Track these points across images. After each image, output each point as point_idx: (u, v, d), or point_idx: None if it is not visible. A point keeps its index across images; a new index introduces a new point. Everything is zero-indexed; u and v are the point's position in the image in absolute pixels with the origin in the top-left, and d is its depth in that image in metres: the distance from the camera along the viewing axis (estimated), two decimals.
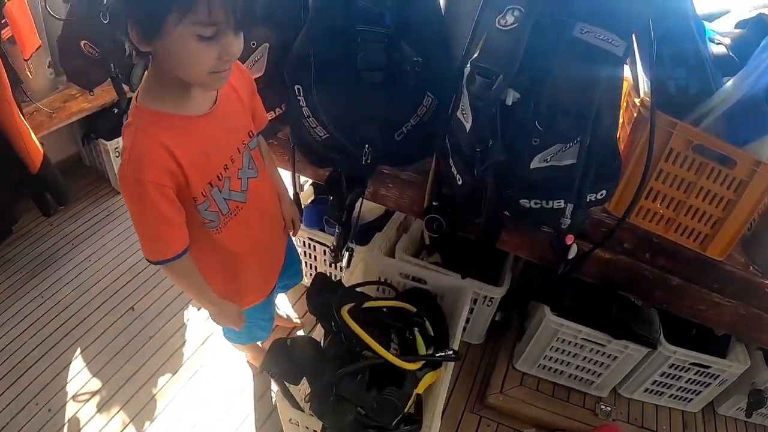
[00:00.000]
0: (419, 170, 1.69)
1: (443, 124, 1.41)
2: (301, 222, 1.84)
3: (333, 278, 1.78)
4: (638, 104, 1.40)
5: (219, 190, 1.22)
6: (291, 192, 1.73)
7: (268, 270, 1.60)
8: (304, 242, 2.29)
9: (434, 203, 1.59)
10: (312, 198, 2.39)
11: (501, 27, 1.13)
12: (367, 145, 1.44)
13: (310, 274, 2.38)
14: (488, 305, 2.15)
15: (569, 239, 1.40)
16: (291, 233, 1.68)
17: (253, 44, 1.49)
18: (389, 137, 1.49)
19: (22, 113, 2.14)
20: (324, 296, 1.60)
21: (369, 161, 1.46)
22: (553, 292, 1.97)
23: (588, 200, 1.30)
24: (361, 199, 1.70)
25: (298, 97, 1.43)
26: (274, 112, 1.63)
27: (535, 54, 1.13)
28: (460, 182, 1.39)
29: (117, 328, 2.38)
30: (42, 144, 2.26)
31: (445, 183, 1.54)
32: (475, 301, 2.11)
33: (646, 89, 1.39)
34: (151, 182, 1.05)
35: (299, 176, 2.11)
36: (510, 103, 1.18)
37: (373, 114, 1.42)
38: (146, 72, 1.08)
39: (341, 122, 1.44)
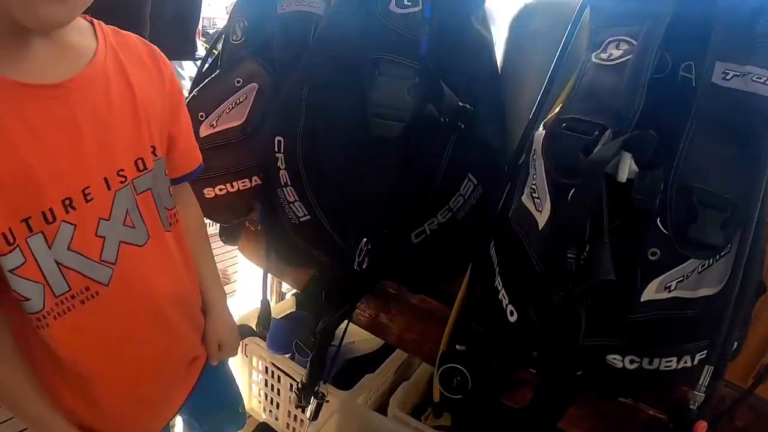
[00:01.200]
0: (440, 294, 1.23)
1: (488, 225, 0.97)
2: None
3: None
4: None
5: (45, 240, 0.72)
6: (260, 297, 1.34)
7: (154, 404, 1.01)
8: (266, 368, 1.75)
9: (458, 346, 1.08)
10: (289, 312, 1.91)
11: (602, 61, 0.80)
12: (365, 240, 0.96)
13: (271, 412, 1.83)
14: None
15: (700, 429, 0.81)
16: (211, 362, 1.11)
17: (238, 81, 1.15)
18: (403, 236, 1.03)
19: None
20: None
21: (365, 266, 0.97)
22: None
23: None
24: (346, 323, 1.17)
25: (277, 154, 1.01)
26: (250, 182, 1.20)
27: (658, 104, 0.73)
28: (513, 318, 0.89)
29: None
30: None
31: (479, 318, 1.06)
32: None
33: None
34: None
35: (278, 281, 1.71)
36: (624, 179, 0.73)
37: (380, 190, 0.95)
38: None
39: (330, 197, 0.99)
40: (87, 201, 0.75)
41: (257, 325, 1.48)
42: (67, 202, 0.73)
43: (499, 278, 0.94)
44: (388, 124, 0.88)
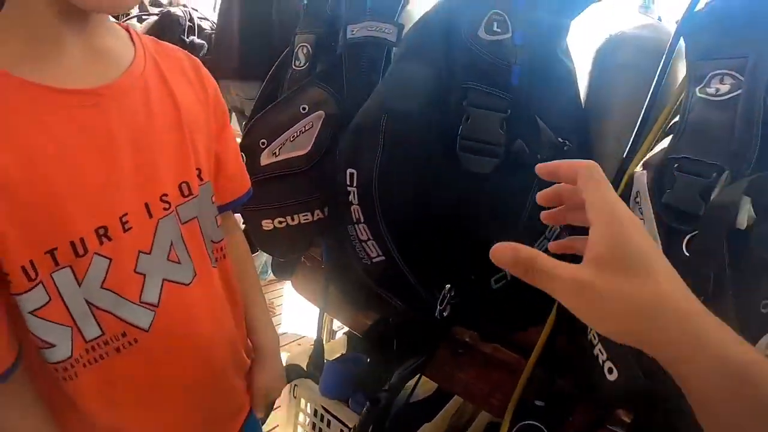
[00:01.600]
0: (514, 343, 1.11)
1: None
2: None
3: None
4: None
5: (75, 276, 0.62)
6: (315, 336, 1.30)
7: None
8: (315, 411, 1.65)
9: (536, 402, 0.99)
10: (342, 353, 1.82)
11: (709, 97, 0.75)
12: (448, 287, 0.87)
13: None
14: None
15: None
16: (257, 414, 0.98)
17: (304, 108, 1.09)
18: (482, 280, 0.94)
19: None
20: None
21: (447, 314, 0.88)
22: None
23: None
24: (418, 377, 1.08)
25: (349, 188, 0.92)
26: (312, 215, 1.13)
27: None
28: (613, 376, 0.79)
29: None
30: None
31: (564, 373, 0.96)
32: None
33: None
34: None
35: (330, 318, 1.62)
36: (744, 225, 0.67)
37: (467, 231, 0.86)
38: None
39: (410, 237, 0.90)
40: (125, 230, 0.65)
41: (308, 365, 1.40)
42: (101, 232, 0.63)
43: (594, 332, 0.85)
44: (480, 160, 0.79)
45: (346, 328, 1.82)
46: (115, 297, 0.65)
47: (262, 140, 1.08)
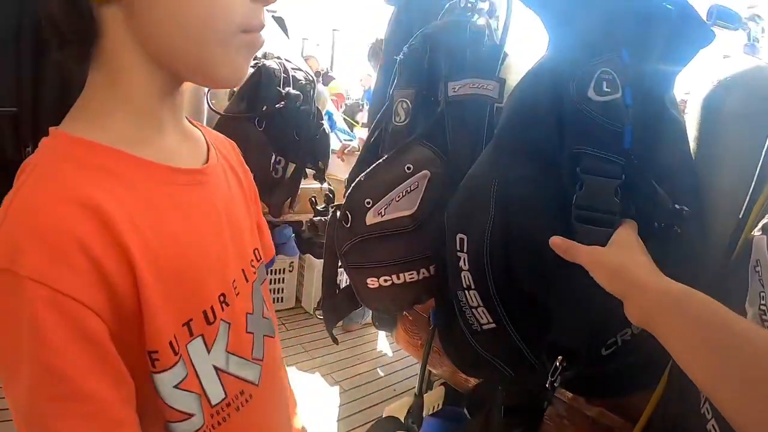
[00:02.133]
0: (621, 407, 1.06)
1: None
2: None
3: None
4: None
5: (205, 344, 0.62)
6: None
7: None
8: None
9: None
10: (439, 405, 1.77)
11: None
12: (560, 357, 0.82)
13: None
14: None
15: None
16: None
17: (408, 168, 1.09)
18: (593, 347, 0.89)
19: None
20: None
21: (557, 383, 0.84)
22: None
23: None
24: None
25: (459, 253, 0.91)
26: (418, 274, 1.12)
27: None
28: None
29: None
30: None
31: None
32: None
33: None
34: (43, 283, 0.45)
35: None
36: None
37: (582, 302, 0.82)
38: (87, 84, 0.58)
39: (523, 306, 0.87)
40: (236, 295, 0.67)
41: (407, 419, 1.38)
42: (221, 299, 0.65)
43: (707, 405, 0.77)
44: (596, 231, 0.77)
45: (443, 379, 1.79)
46: (236, 358, 0.67)
47: (368, 200, 1.09)
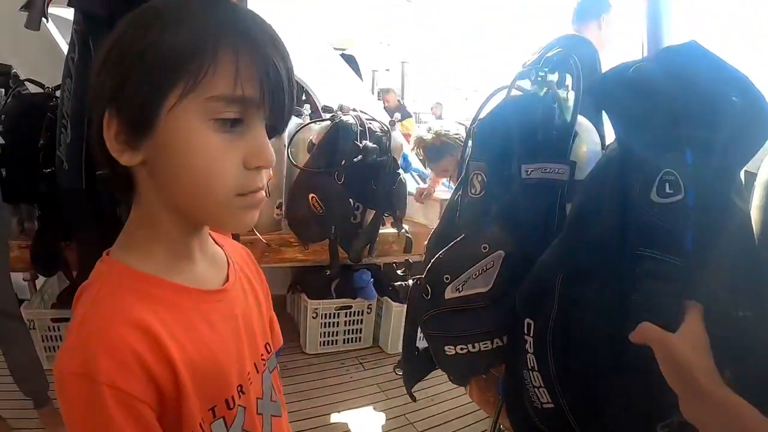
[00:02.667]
0: None
1: None
2: None
3: None
4: None
5: (225, 424, 0.75)
6: None
7: None
8: None
9: None
10: None
11: None
12: None
13: None
14: None
15: None
16: None
17: (485, 248, 1.18)
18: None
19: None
20: None
21: None
22: None
23: None
24: None
25: (526, 336, 1.00)
26: (492, 343, 1.20)
27: None
28: None
29: None
30: None
31: None
32: None
33: None
34: (113, 386, 0.58)
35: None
36: None
37: (635, 395, 0.88)
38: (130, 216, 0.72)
39: (579, 392, 0.94)
40: (250, 384, 0.81)
41: None
42: (239, 388, 0.78)
43: None
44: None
45: None
46: None
47: (447, 276, 1.18)
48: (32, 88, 2.48)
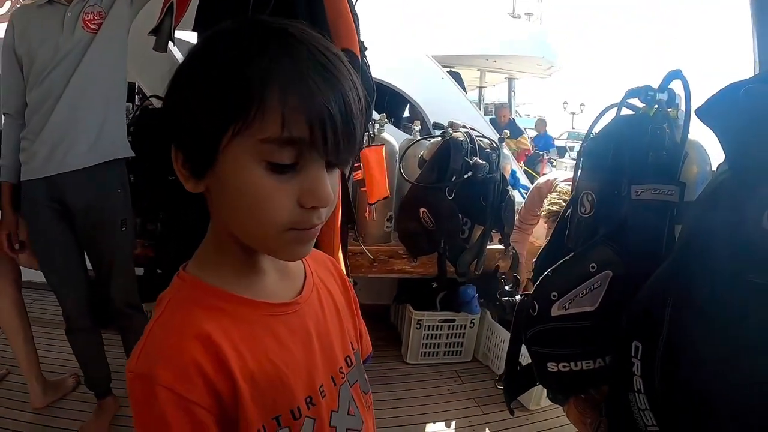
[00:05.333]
0: None
1: None
2: None
3: None
4: None
5: None
6: None
7: None
8: None
9: None
10: None
11: None
12: None
13: None
14: None
15: None
16: None
17: (593, 267, 1.20)
18: None
19: (345, 247, 2.11)
20: None
21: None
22: None
23: None
24: None
25: (633, 359, 1.01)
26: (594, 363, 1.22)
27: None
28: None
29: None
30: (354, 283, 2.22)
31: None
32: None
33: None
34: (172, 390, 0.63)
35: None
36: None
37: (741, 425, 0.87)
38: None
39: (686, 417, 0.94)
40: (322, 397, 0.81)
41: None
42: (308, 400, 0.79)
43: None
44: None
45: None
46: None
47: (554, 293, 1.21)
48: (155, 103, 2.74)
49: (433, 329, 2.97)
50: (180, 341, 0.66)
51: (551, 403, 1.70)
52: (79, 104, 1.92)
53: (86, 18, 1.92)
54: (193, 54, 0.64)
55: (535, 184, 2.85)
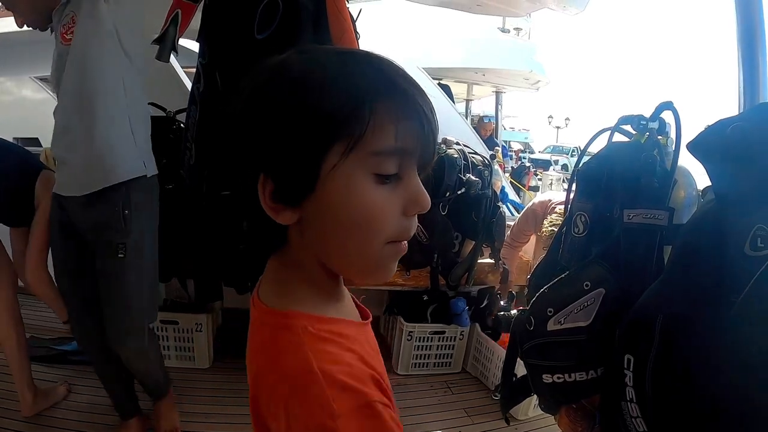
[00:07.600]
0: None
1: None
2: None
3: None
4: None
5: None
6: None
7: None
8: None
9: None
10: None
11: None
12: None
13: None
14: None
15: None
16: None
17: (587, 285, 1.27)
18: None
19: None
20: None
21: None
22: None
23: None
24: None
25: (626, 371, 1.08)
26: (587, 374, 1.29)
27: None
28: None
29: None
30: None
31: None
32: None
33: None
34: (380, 401, 0.62)
35: None
36: None
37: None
38: (268, 267, 0.73)
39: (676, 425, 1.01)
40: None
41: None
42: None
43: None
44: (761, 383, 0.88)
45: None
46: None
47: (550, 309, 1.28)
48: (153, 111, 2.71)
49: (423, 341, 3.02)
50: (351, 359, 0.65)
51: (540, 412, 1.77)
52: (68, 124, 1.78)
53: (63, 31, 1.77)
54: (272, 81, 0.61)
55: (530, 203, 2.91)
